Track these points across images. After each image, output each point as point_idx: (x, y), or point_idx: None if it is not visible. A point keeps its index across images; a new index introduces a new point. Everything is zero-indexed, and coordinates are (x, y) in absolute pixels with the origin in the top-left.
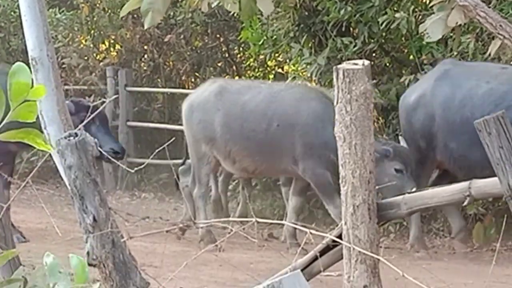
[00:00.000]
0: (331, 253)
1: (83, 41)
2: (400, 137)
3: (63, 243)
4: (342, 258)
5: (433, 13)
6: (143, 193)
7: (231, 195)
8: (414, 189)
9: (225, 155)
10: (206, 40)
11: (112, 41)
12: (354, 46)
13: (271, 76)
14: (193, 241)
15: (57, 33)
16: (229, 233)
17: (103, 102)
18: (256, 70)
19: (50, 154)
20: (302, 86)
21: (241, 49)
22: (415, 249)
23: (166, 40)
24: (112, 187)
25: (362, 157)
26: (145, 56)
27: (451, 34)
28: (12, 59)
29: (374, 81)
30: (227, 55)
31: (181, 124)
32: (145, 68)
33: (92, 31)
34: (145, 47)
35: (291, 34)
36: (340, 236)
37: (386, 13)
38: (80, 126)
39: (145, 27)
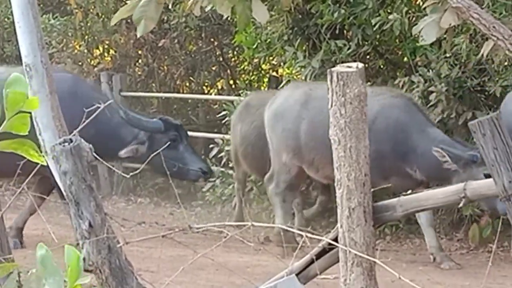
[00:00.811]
0: (327, 256)
1: (77, 46)
2: None
3: (59, 249)
4: (338, 261)
5: (426, 14)
6: (139, 198)
7: (226, 199)
8: None
9: (309, 163)
10: (200, 44)
11: (106, 47)
12: (348, 49)
13: (266, 80)
14: (189, 246)
15: (51, 39)
16: (225, 237)
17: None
18: (251, 73)
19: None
20: (388, 92)
21: (235, 52)
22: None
23: (160, 44)
24: (107, 192)
25: (357, 159)
26: (139, 61)
27: (445, 36)
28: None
29: (369, 83)
30: (221, 59)
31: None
32: (139, 73)
33: (86, 37)
34: (139, 52)
35: (285, 38)
36: (336, 239)
37: (379, 15)
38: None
39: (138, 35)
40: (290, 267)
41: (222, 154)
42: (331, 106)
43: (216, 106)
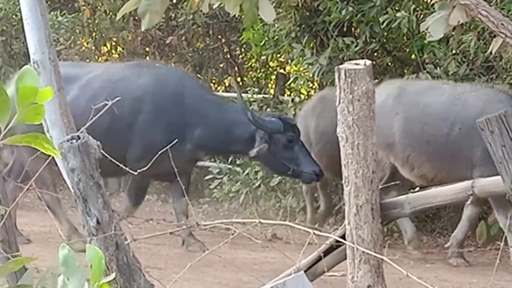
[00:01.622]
0: (335, 253)
1: (85, 43)
2: None
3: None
4: (345, 258)
5: (434, 11)
6: (146, 195)
7: (233, 196)
8: None
9: (403, 161)
10: (208, 42)
11: (113, 43)
12: (356, 46)
13: (273, 77)
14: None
15: (58, 36)
16: (233, 234)
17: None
18: (258, 70)
19: (53, 157)
20: (489, 88)
21: (242, 50)
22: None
23: (167, 41)
24: (115, 189)
25: (364, 157)
26: (147, 58)
27: (453, 33)
28: (14, 62)
29: (376, 80)
30: (229, 56)
31: None
32: None
33: (94, 34)
34: (147, 49)
35: (293, 35)
36: (343, 236)
37: (387, 12)
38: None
39: (142, 28)
40: (298, 264)
41: None
42: (339, 103)
43: None
